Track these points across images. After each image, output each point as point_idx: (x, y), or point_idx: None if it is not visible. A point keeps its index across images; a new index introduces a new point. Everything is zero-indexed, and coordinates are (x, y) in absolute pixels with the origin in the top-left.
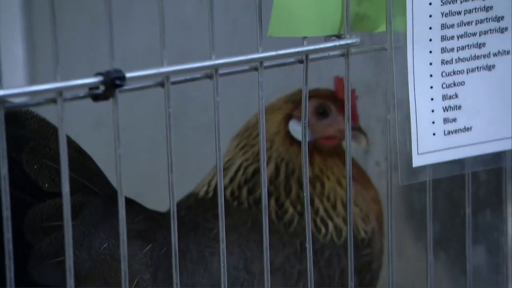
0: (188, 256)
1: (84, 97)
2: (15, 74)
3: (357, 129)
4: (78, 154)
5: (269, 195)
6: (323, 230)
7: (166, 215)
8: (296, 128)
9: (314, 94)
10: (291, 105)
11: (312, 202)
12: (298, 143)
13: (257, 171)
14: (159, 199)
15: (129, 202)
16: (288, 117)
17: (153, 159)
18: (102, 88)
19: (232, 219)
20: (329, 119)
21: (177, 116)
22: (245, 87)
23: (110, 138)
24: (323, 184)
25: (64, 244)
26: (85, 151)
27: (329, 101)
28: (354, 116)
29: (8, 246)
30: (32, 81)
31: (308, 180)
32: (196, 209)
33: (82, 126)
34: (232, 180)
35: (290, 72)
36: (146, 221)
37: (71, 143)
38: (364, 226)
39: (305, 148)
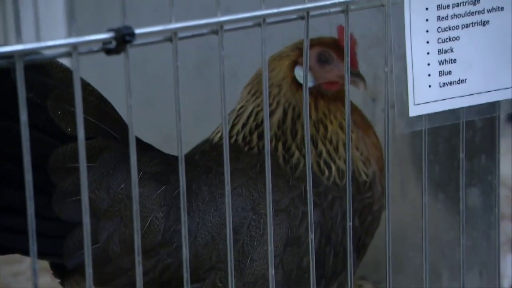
0: (200, 197)
1: (97, 51)
2: (56, 32)
3: (356, 74)
4: (99, 102)
5: (277, 139)
6: (327, 172)
7: (187, 159)
8: (300, 74)
9: (317, 42)
10: (297, 52)
11: (315, 145)
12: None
13: (270, 115)
14: (184, 143)
15: (147, 147)
16: (294, 64)
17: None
18: (114, 43)
19: (242, 163)
20: (330, 65)
21: (201, 64)
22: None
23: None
24: (326, 127)
25: (91, 185)
26: (106, 99)
27: (330, 49)
28: (354, 63)
29: (29, 186)
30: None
31: (311, 124)
32: (209, 154)
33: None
34: (244, 125)
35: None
36: (161, 165)
37: (93, 91)
38: (365, 169)
39: (306, 97)
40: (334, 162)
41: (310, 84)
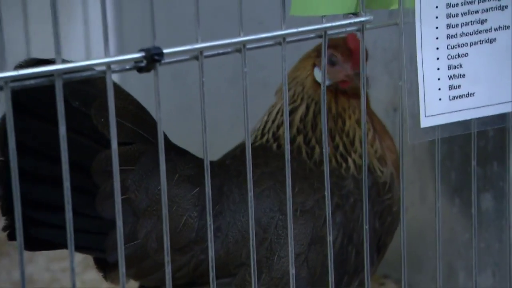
0: (231, 198)
1: (129, 69)
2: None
3: (358, 74)
4: (138, 110)
5: (298, 132)
6: (344, 164)
7: (214, 164)
8: (318, 74)
9: (336, 44)
10: (316, 53)
11: (333, 138)
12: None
13: (292, 111)
14: (221, 147)
15: (183, 151)
16: (314, 65)
17: (217, 112)
18: (144, 62)
19: (270, 167)
20: (337, 66)
21: (237, 74)
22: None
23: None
24: (344, 121)
25: (126, 185)
26: (144, 107)
27: (336, 51)
28: (356, 62)
29: (67, 193)
30: (120, 47)
31: (331, 117)
32: (240, 158)
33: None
34: (273, 121)
35: None
36: (196, 168)
37: (132, 100)
38: (380, 166)
39: (324, 105)
40: (350, 155)
41: (328, 82)
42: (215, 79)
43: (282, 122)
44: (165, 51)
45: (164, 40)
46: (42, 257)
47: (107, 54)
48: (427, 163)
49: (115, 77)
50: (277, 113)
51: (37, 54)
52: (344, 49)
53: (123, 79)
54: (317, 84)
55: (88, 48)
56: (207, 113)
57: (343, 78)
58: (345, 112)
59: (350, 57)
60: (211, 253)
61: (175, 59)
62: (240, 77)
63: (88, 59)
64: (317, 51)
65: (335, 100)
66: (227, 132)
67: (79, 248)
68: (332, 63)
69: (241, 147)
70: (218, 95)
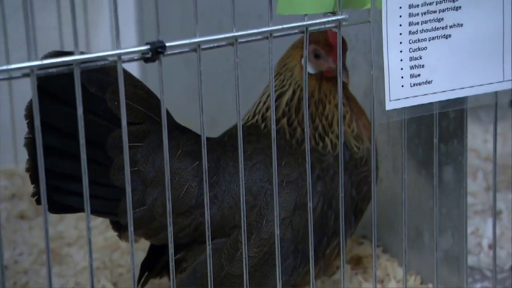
0: (227, 170)
1: (137, 59)
2: (128, 32)
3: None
4: (147, 95)
5: (283, 115)
6: (321, 143)
7: (213, 140)
8: (310, 69)
9: (312, 40)
10: (302, 45)
11: (313, 121)
12: (309, 74)
13: (280, 95)
14: (225, 125)
15: (185, 129)
16: (302, 55)
17: (224, 94)
18: (150, 53)
19: (261, 144)
20: (321, 59)
21: (241, 60)
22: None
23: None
24: (324, 106)
25: (135, 159)
26: (153, 92)
27: (320, 47)
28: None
29: (84, 165)
30: (140, 37)
31: (313, 102)
32: (235, 136)
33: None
34: (264, 103)
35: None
36: (196, 144)
37: (142, 86)
38: (357, 143)
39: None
40: (327, 135)
41: (313, 71)
42: (224, 64)
43: (268, 109)
44: (167, 44)
45: (179, 32)
46: (71, 217)
47: (118, 47)
48: (399, 140)
49: (135, 66)
50: (268, 96)
51: (69, 42)
52: (325, 44)
53: (144, 67)
54: (309, 75)
55: (113, 37)
56: (215, 94)
57: (326, 69)
58: (326, 97)
59: (331, 52)
60: (207, 217)
61: (177, 51)
62: (242, 61)
63: (114, 47)
64: (302, 43)
65: (319, 87)
66: (231, 112)
67: (95, 212)
68: (317, 56)
69: (236, 127)
70: (225, 79)
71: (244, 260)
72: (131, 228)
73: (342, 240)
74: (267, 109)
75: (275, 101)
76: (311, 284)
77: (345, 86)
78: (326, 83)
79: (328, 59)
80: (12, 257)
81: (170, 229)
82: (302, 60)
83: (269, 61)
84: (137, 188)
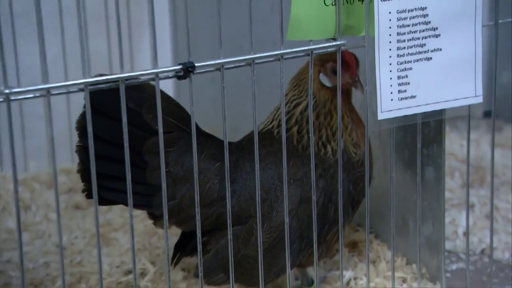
0: (244, 169)
1: (172, 77)
2: (165, 54)
3: (357, 81)
4: (176, 108)
5: (296, 123)
6: (323, 150)
7: (233, 145)
8: (323, 78)
9: (330, 58)
10: (321, 63)
11: (320, 130)
12: (326, 87)
13: (297, 105)
14: (245, 130)
15: (208, 136)
16: (319, 71)
17: (243, 106)
18: (182, 72)
19: (273, 148)
20: (346, 74)
21: (257, 78)
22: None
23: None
24: (332, 117)
25: (167, 161)
26: (181, 105)
27: (336, 64)
28: (353, 73)
29: (127, 165)
30: (174, 58)
31: (323, 113)
32: (252, 140)
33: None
34: (278, 114)
35: None
36: (218, 148)
37: (172, 101)
38: (354, 150)
39: (310, 107)
40: (329, 143)
41: (329, 85)
42: (244, 80)
43: (287, 112)
44: (196, 64)
45: (206, 54)
46: (117, 207)
47: (156, 66)
48: (389, 144)
49: (170, 82)
50: (287, 102)
51: (117, 63)
52: (342, 62)
53: (177, 83)
54: (320, 85)
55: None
56: (236, 106)
57: (343, 83)
58: (335, 109)
59: (348, 68)
60: (229, 207)
61: (204, 70)
62: (261, 79)
63: (153, 67)
64: (321, 60)
65: (331, 100)
66: (250, 120)
67: (134, 205)
68: (334, 72)
69: (251, 133)
70: (244, 93)
71: (258, 244)
72: (166, 217)
73: (341, 227)
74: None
75: (292, 109)
76: (314, 264)
77: (349, 98)
78: (336, 97)
79: (345, 75)
80: (69, 240)
81: (198, 217)
82: (321, 75)
83: (280, 78)
84: (169, 186)
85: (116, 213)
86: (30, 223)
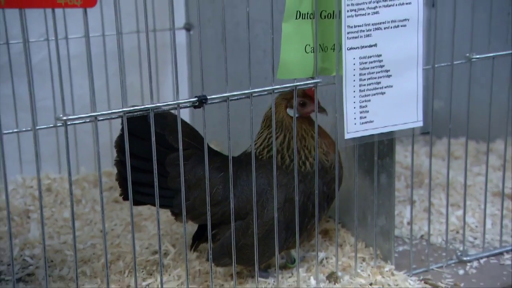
0: (242, 178)
1: (189, 106)
2: (183, 89)
3: (322, 109)
4: (191, 130)
5: (277, 152)
6: (303, 166)
7: (235, 159)
8: (290, 112)
9: (299, 94)
10: (286, 101)
11: (299, 152)
12: (297, 120)
13: (276, 139)
14: (244, 146)
15: (215, 152)
16: (286, 107)
17: (243, 127)
18: (197, 103)
19: (263, 161)
20: (306, 106)
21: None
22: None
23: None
24: (305, 140)
25: (187, 173)
26: (195, 128)
27: (305, 98)
28: (314, 103)
29: (155, 174)
30: (190, 92)
31: (298, 138)
32: (248, 155)
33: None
34: (261, 144)
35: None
36: (222, 162)
37: (187, 125)
38: (326, 158)
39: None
40: (308, 160)
41: (298, 114)
42: (244, 107)
43: (267, 146)
44: (208, 97)
45: (215, 88)
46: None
47: (177, 98)
48: (353, 157)
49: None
50: (264, 139)
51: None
52: (307, 96)
53: (193, 111)
54: (290, 119)
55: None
56: (237, 127)
57: (309, 112)
58: (305, 132)
59: (311, 100)
60: (232, 206)
61: (214, 101)
62: (254, 105)
63: (175, 99)
64: (286, 99)
65: (301, 126)
66: (246, 138)
67: (160, 205)
68: (302, 104)
69: (246, 151)
70: (244, 117)
71: (254, 235)
72: (184, 213)
73: (317, 220)
74: (264, 148)
75: (270, 144)
76: (296, 247)
77: (310, 121)
78: (304, 122)
79: (311, 105)
80: (110, 227)
81: (208, 213)
82: (288, 109)
83: (272, 107)
84: (185, 190)
85: (145, 206)
86: (80, 213)
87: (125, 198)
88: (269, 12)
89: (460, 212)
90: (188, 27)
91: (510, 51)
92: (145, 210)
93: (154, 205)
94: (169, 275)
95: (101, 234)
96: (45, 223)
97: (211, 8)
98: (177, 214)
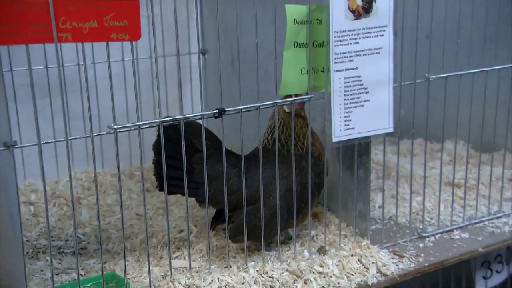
0: (252, 172)
1: (210, 117)
2: (198, 97)
3: (301, 109)
4: (211, 135)
5: (279, 139)
6: (300, 151)
7: (246, 156)
8: (286, 108)
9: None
10: (285, 106)
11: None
12: (287, 113)
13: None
14: (253, 146)
15: (230, 152)
16: (281, 108)
17: (253, 132)
18: (217, 114)
19: (269, 158)
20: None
21: (255, 114)
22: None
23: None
24: (295, 130)
25: (209, 169)
26: (215, 134)
27: (298, 105)
28: (301, 107)
29: (185, 171)
30: (205, 101)
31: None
32: (255, 153)
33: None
34: (270, 134)
35: None
36: (236, 159)
37: (209, 131)
38: (314, 149)
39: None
40: (298, 144)
41: (288, 110)
42: (253, 116)
43: (271, 136)
44: (226, 109)
45: (228, 101)
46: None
47: (203, 110)
48: (337, 155)
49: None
50: (270, 130)
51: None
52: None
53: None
54: (286, 113)
55: (201, 105)
56: (249, 132)
57: (297, 109)
58: (296, 124)
59: (299, 105)
60: (244, 194)
61: (230, 113)
62: (262, 117)
63: (200, 111)
64: (285, 105)
65: (297, 120)
66: (254, 139)
67: (188, 195)
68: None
69: (256, 148)
70: (252, 124)
71: (261, 217)
72: (206, 200)
73: (310, 205)
74: (272, 137)
75: (273, 135)
76: (294, 227)
77: (303, 118)
78: (298, 118)
79: (298, 107)
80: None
81: (225, 201)
82: (284, 107)
83: (275, 117)
84: (207, 183)
85: (177, 197)
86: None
87: (161, 189)
88: (269, 41)
89: (419, 198)
90: (203, 52)
91: (458, 73)
92: (171, 198)
93: (183, 194)
94: (193, 249)
95: (137, 216)
96: (93, 208)
97: (223, 37)
98: (200, 202)
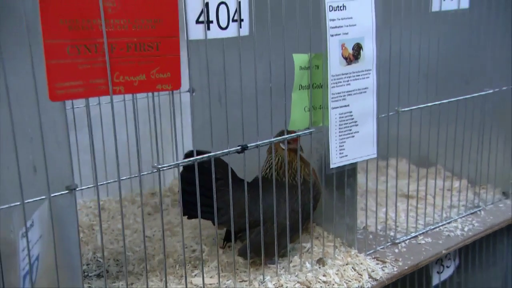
0: (253, 196)
1: (233, 153)
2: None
3: (301, 147)
4: (222, 163)
5: (277, 173)
6: (293, 181)
7: (249, 183)
8: (282, 145)
9: (291, 140)
10: (281, 142)
11: (288, 170)
12: (284, 148)
13: (276, 165)
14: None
15: (236, 176)
16: (279, 144)
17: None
18: (240, 150)
19: (270, 186)
20: (291, 144)
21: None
22: None
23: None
24: (292, 163)
25: (222, 193)
26: (226, 163)
27: (292, 140)
28: (296, 142)
29: (214, 199)
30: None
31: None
32: (257, 180)
33: None
34: (268, 168)
35: None
36: (241, 183)
37: (223, 163)
38: (309, 178)
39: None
40: (295, 177)
41: (284, 147)
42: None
43: (269, 169)
44: (248, 145)
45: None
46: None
47: (228, 148)
48: (330, 178)
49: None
50: (269, 164)
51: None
52: (293, 140)
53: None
54: (281, 149)
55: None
56: (252, 162)
57: (293, 147)
58: (292, 159)
59: (294, 142)
60: (261, 217)
61: (252, 147)
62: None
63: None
64: (282, 141)
65: (290, 155)
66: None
67: (207, 218)
68: (289, 143)
69: (257, 176)
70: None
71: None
72: (216, 220)
73: (311, 222)
74: (270, 171)
75: (271, 168)
76: (300, 240)
77: (296, 152)
78: (291, 153)
79: (294, 144)
80: (151, 233)
81: (231, 223)
82: (281, 145)
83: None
84: (223, 207)
85: (173, 217)
86: (127, 224)
87: (185, 214)
88: (254, 81)
89: (384, 209)
90: (192, 90)
91: (424, 105)
92: (173, 219)
93: (204, 218)
94: (208, 266)
95: (147, 238)
96: (105, 232)
97: (210, 76)
98: (219, 224)
